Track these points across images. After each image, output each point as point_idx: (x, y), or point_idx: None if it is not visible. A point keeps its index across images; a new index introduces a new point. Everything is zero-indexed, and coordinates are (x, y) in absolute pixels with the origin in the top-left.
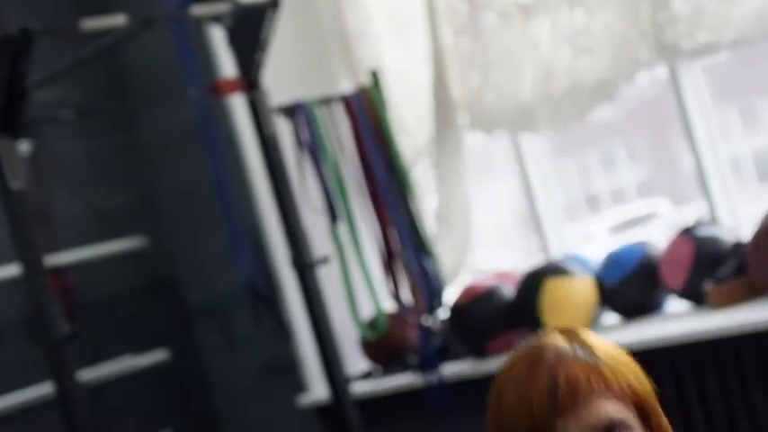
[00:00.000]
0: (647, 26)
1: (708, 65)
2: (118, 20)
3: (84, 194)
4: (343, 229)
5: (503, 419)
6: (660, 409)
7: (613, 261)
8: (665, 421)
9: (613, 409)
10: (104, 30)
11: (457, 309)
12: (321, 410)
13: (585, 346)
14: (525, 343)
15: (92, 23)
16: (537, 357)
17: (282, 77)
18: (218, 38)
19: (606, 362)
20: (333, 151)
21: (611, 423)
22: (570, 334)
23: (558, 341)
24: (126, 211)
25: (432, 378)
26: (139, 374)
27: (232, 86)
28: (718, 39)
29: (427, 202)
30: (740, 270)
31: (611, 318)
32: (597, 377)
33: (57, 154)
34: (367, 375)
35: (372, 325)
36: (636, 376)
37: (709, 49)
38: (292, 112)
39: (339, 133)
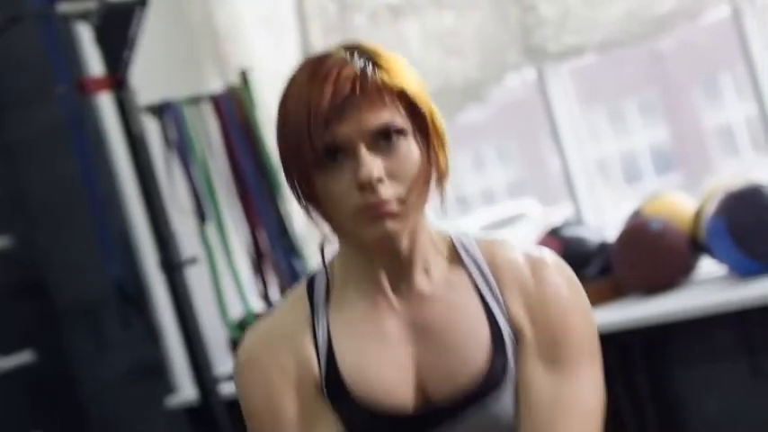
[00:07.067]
0: (516, 28)
1: (576, 67)
2: None
3: None
4: (211, 229)
5: (286, 123)
6: (433, 109)
7: None
8: (438, 119)
9: (387, 115)
10: None
11: None
12: (190, 411)
13: (364, 53)
14: (312, 56)
15: None
16: (319, 64)
17: (151, 76)
18: (85, 36)
19: (383, 66)
20: (202, 151)
21: (386, 127)
22: (354, 47)
23: (340, 52)
24: None
25: None
26: (5, 376)
27: (99, 85)
28: (584, 42)
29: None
30: (606, 270)
31: None
32: (373, 84)
33: None
34: None
35: (242, 325)
36: (411, 78)
37: (576, 51)
38: (161, 111)
39: (208, 133)
